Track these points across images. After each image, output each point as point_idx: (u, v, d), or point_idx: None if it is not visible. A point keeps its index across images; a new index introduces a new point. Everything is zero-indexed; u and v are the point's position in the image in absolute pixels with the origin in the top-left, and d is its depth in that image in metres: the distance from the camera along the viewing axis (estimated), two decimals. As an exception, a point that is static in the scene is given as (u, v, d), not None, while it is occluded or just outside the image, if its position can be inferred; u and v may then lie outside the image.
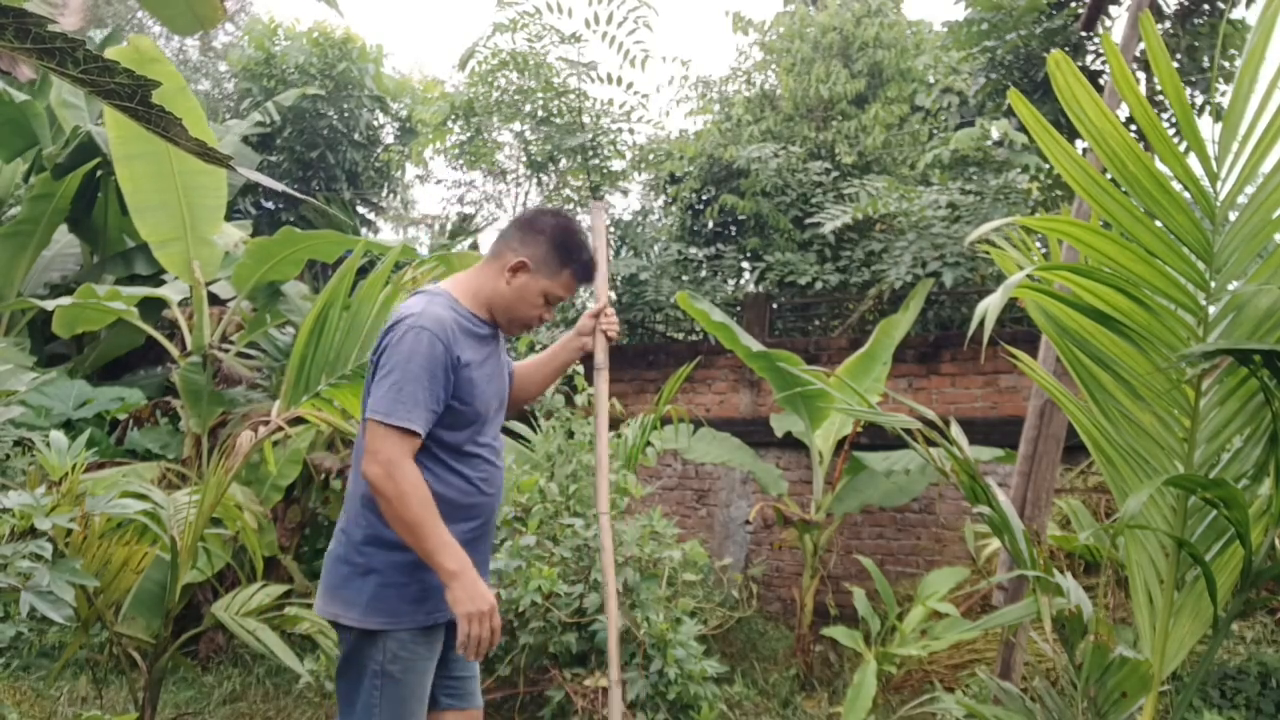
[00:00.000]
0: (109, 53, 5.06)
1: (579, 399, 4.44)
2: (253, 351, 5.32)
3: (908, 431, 2.09)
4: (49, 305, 5.30)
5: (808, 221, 7.46)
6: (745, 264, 8.54)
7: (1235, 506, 1.73)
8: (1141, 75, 5.07)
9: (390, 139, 11.70)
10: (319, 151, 10.52)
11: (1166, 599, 2.00)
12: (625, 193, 10.10)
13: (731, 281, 8.64)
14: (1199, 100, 5.45)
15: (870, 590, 5.05)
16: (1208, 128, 5.17)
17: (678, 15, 28.57)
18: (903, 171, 8.68)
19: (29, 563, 2.45)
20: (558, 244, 2.19)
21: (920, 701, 2.56)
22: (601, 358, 2.41)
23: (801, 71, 8.84)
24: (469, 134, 9.19)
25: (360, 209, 11.33)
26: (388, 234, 12.91)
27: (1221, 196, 1.85)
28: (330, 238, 5.45)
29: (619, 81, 8.48)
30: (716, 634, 4.83)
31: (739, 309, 7.83)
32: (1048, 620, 1.97)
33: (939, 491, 5.96)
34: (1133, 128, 3.77)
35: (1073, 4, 5.74)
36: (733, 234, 8.66)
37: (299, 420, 3.51)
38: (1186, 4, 5.34)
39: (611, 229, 9.00)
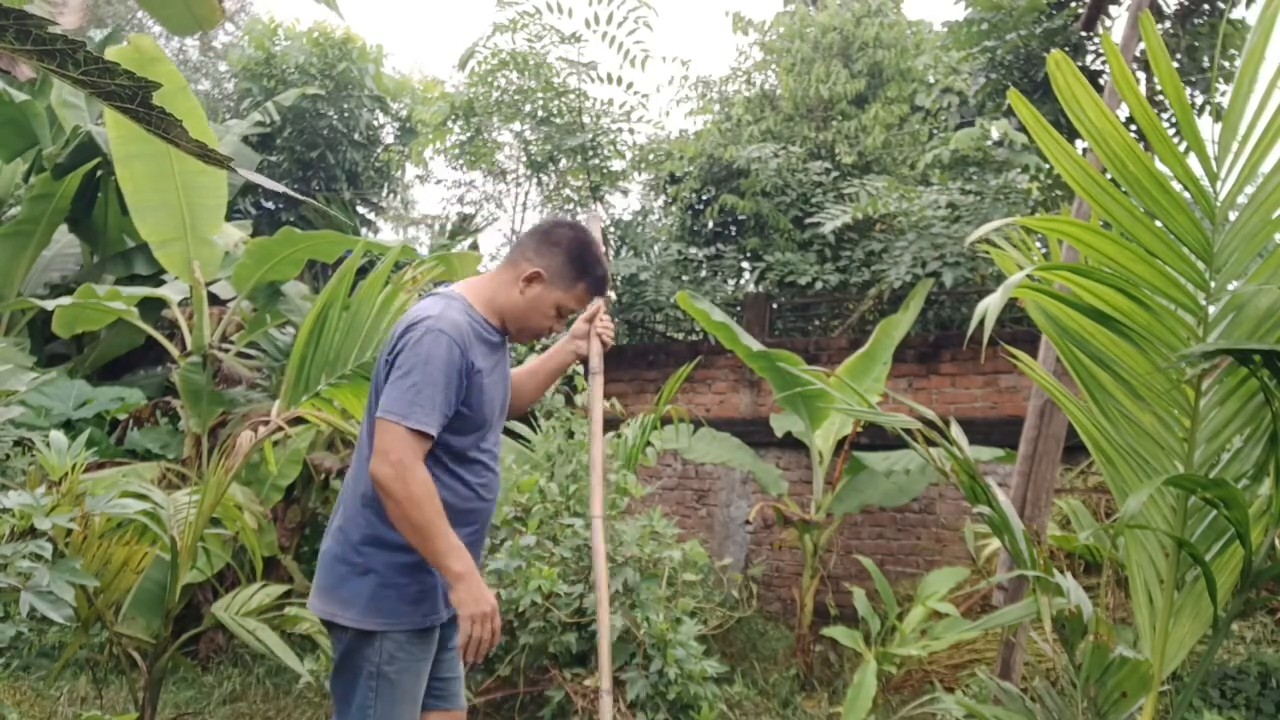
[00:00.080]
0: (110, 52, 5.06)
1: (579, 399, 4.44)
2: (253, 351, 5.32)
3: (908, 431, 2.09)
4: (49, 305, 5.30)
5: (808, 221, 7.47)
6: (745, 264, 8.55)
7: (1235, 506, 1.74)
8: (1141, 75, 5.07)
9: (390, 139, 11.70)
10: (319, 151, 10.53)
11: (1166, 599, 2.00)
12: (625, 193, 10.11)
13: (731, 281, 8.64)
14: (1199, 100, 5.46)
15: (870, 590, 5.05)
16: (1208, 128, 5.17)
17: (678, 15, 28.59)
18: (903, 171, 8.69)
19: (29, 563, 2.45)
20: (574, 257, 2.19)
21: (920, 702, 2.56)
22: (596, 362, 2.41)
23: (801, 71, 8.84)
24: (469, 134, 9.20)
25: (360, 209, 11.33)
26: (388, 234, 12.92)
27: (1221, 196, 1.85)
28: (330, 238, 5.45)
29: (619, 81, 8.48)
30: (716, 634, 4.83)
31: (739, 309, 7.84)
32: (1048, 620, 1.97)
33: (939, 491, 5.96)
34: (1133, 128, 3.78)
35: (1073, 4, 5.74)
36: (733, 234, 8.66)
37: (299, 420, 3.51)
38: (1186, 4, 5.34)
39: (611, 229, 9.00)
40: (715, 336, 5.57)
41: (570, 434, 4.46)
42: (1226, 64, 5.28)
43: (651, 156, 9.05)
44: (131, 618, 3.52)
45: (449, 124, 9.09)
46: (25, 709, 4.03)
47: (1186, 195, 1.86)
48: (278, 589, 3.47)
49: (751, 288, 8.41)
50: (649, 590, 3.56)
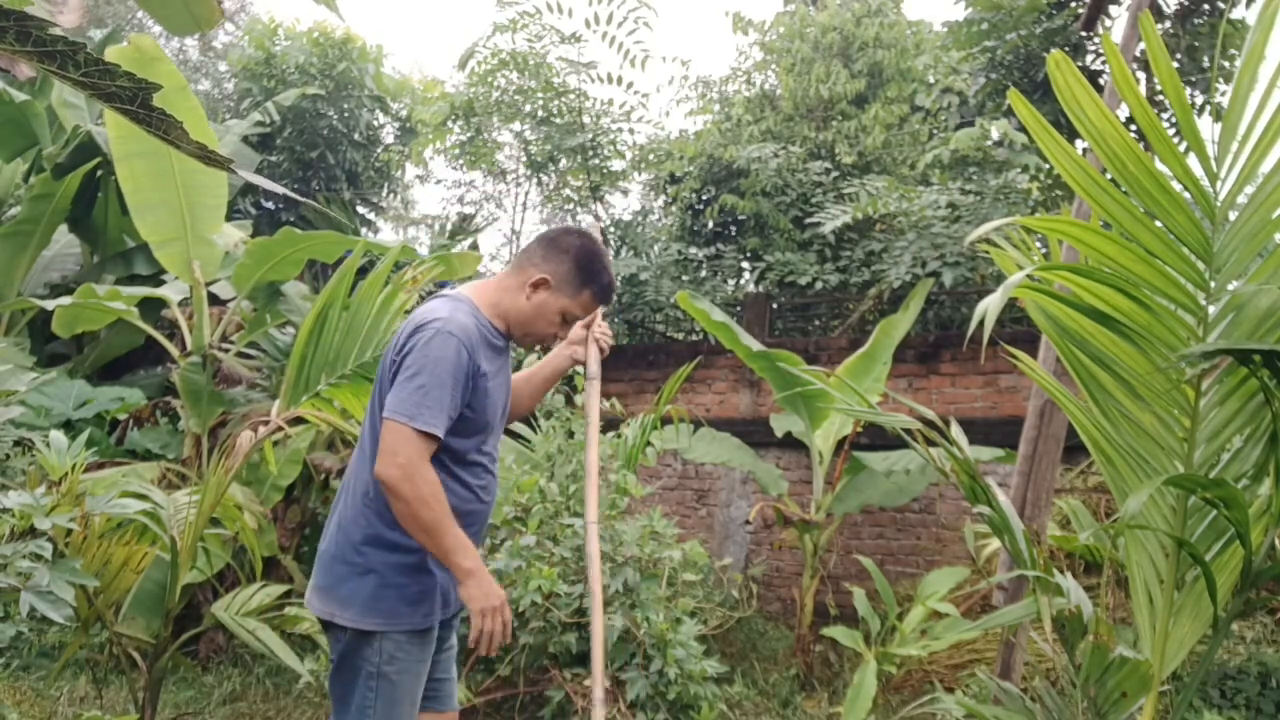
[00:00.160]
0: (110, 52, 5.05)
1: (579, 399, 4.44)
2: (253, 351, 5.32)
3: (908, 431, 2.10)
4: (49, 305, 5.30)
5: (808, 221, 7.47)
6: (745, 264, 8.55)
7: (1235, 506, 1.74)
8: (1141, 75, 5.07)
9: (390, 139, 11.71)
10: (319, 151, 10.53)
11: (1166, 599, 2.00)
12: (625, 193, 10.12)
13: (731, 281, 8.65)
14: (1199, 100, 5.46)
15: (870, 590, 5.05)
16: (1208, 128, 5.17)
17: (678, 15, 28.59)
18: (903, 171, 8.69)
19: (29, 563, 2.45)
20: (581, 264, 2.20)
21: (920, 702, 2.56)
22: (594, 368, 2.41)
23: (801, 71, 8.84)
24: (469, 134, 9.20)
25: (360, 209, 11.33)
26: (388, 234, 12.93)
27: (1221, 196, 1.85)
28: (330, 238, 5.45)
29: (619, 81, 8.48)
30: (716, 634, 4.83)
31: (739, 309, 7.84)
32: (1048, 620, 1.97)
33: (939, 491, 5.96)
34: (1133, 128, 3.78)
35: (1073, 4, 5.74)
36: (733, 234, 8.66)
37: (299, 420, 3.52)
38: (1186, 4, 5.35)
39: (611, 229, 9.01)
40: (715, 336, 5.57)
41: (570, 434, 4.46)
42: (1226, 64, 5.28)
43: (651, 156, 9.06)
44: (131, 618, 3.52)
45: (449, 124, 9.09)
46: (25, 709, 4.03)
47: (1186, 195, 1.86)
48: (278, 589, 3.47)
49: (751, 288, 8.41)
50: (649, 590, 3.56)
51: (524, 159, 9.74)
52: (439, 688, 2.28)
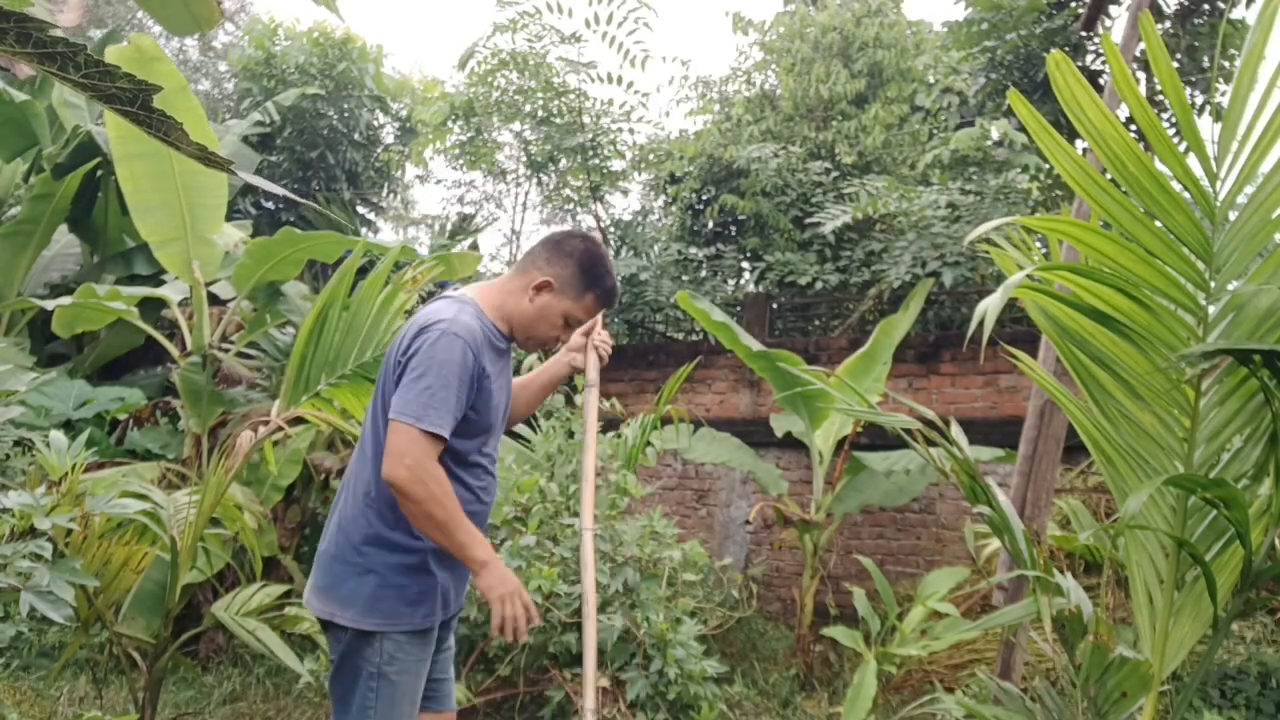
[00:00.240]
0: (110, 52, 5.04)
1: (579, 399, 4.44)
2: (253, 351, 5.32)
3: (908, 431, 2.10)
4: (49, 305, 5.30)
5: (808, 221, 7.47)
6: (745, 264, 8.55)
7: (1235, 506, 1.74)
8: (1141, 75, 5.07)
9: (390, 139, 11.70)
10: (319, 151, 10.53)
11: (1166, 599, 2.00)
12: (625, 193, 10.11)
13: (731, 281, 8.64)
14: (1199, 100, 5.46)
15: (870, 590, 5.05)
16: (1208, 128, 5.17)
17: (678, 15, 28.59)
18: (903, 171, 8.69)
19: (29, 563, 2.45)
20: (584, 268, 2.21)
21: (920, 702, 2.56)
22: (593, 375, 2.42)
23: (801, 71, 8.84)
24: (469, 134, 9.20)
25: (360, 209, 11.33)
26: (388, 234, 12.93)
27: (1221, 196, 1.86)
28: (330, 238, 5.45)
29: (619, 81, 8.48)
30: (716, 634, 4.83)
31: (739, 309, 7.84)
32: (1048, 620, 1.97)
33: (939, 491, 5.96)
34: (1133, 128, 3.78)
35: (1073, 4, 5.74)
36: (733, 234, 8.66)
37: (299, 420, 3.51)
38: (1186, 4, 5.34)
39: (611, 229, 9.01)
40: (715, 336, 5.57)
41: (570, 434, 4.46)
42: (1226, 64, 5.28)
43: (651, 156, 9.05)
44: (131, 618, 3.52)
45: (449, 124, 9.09)
46: (25, 709, 4.03)
47: (1186, 195, 1.86)
48: (278, 589, 3.47)
49: (751, 288, 8.41)
50: (649, 590, 3.56)
51: (524, 159, 9.74)
52: (437, 688, 2.29)
